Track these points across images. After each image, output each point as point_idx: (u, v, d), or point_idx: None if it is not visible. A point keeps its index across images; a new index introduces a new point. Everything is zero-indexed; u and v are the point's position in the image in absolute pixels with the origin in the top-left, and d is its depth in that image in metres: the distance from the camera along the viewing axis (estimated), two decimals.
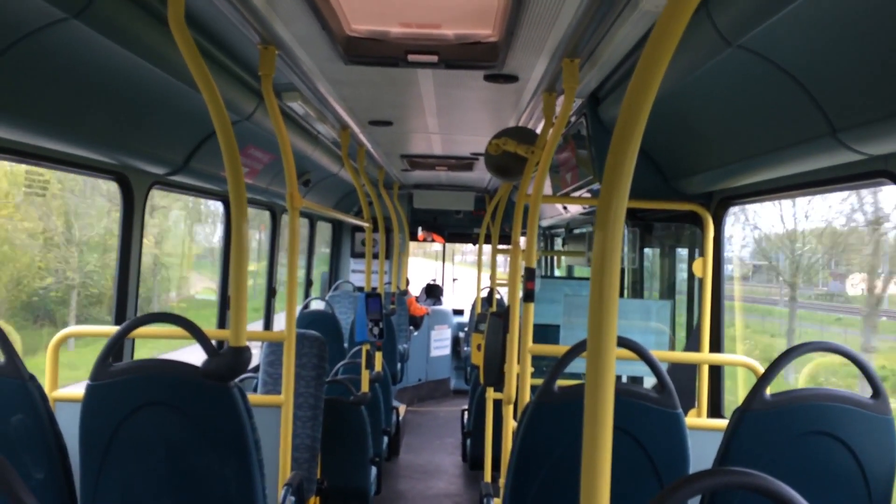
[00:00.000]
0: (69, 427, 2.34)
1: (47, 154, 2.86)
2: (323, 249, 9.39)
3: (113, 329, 2.59)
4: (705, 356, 3.29)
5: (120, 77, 2.61)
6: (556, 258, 10.15)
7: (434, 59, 2.90)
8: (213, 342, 2.42)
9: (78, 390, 2.43)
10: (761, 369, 2.95)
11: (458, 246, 18.71)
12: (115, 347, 2.36)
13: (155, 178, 3.67)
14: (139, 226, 3.60)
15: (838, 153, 2.13)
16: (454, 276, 13.13)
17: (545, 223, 9.23)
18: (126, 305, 3.53)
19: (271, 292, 6.15)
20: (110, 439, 2.23)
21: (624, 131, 1.13)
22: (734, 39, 2.01)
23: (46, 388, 2.89)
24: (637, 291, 4.84)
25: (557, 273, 10.11)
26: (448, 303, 11.33)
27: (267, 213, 6.27)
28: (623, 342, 2.28)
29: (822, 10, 1.71)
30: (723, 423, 2.22)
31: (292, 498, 2.89)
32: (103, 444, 2.24)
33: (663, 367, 2.34)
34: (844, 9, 1.67)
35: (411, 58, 2.89)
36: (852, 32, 1.73)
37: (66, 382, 3.07)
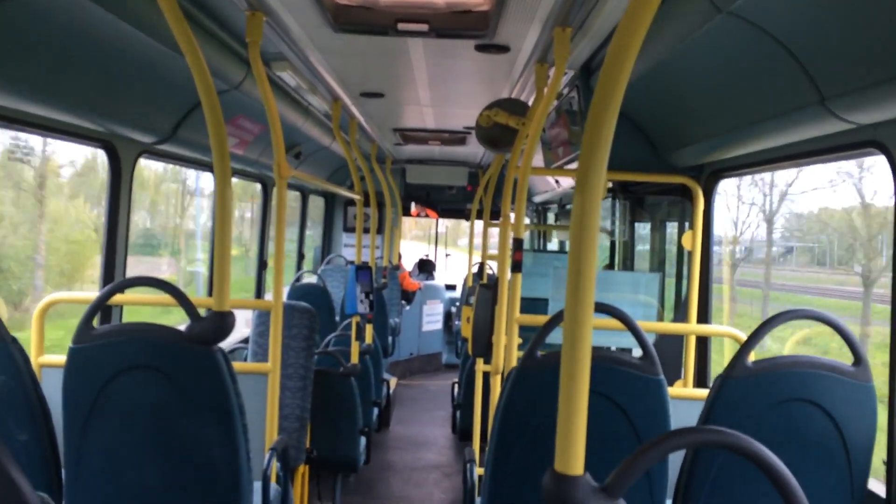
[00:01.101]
0: (56, 392, 2.34)
1: (32, 120, 2.83)
2: (316, 228, 9.37)
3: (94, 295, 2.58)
4: (691, 327, 3.31)
5: (106, 42, 2.58)
6: (546, 234, 10.16)
7: (424, 27, 2.87)
8: (204, 311, 2.43)
9: (63, 357, 2.43)
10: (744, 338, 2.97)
11: (459, 230, 18.64)
12: (98, 310, 2.35)
13: (143, 147, 3.65)
14: (126, 194, 3.58)
15: (828, 122, 2.13)
16: (447, 252, 13.14)
17: (538, 198, 9.23)
18: (113, 273, 3.52)
19: (262, 265, 6.14)
20: (93, 402, 2.24)
21: (603, 96, 1.12)
22: (725, 6, 1.99)
23: (32, 354, 2.88)
24: (628, 266, 4.85)
25: (550, 247, 10.13)
26: (440, 278, 11.35)
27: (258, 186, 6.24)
28: (603, 308, 2.29)
29: None
30: (707, 392, 2.24)
31: (278, 464, 2.91)
32: (86, 407, 2.24)
33: (651, 338, 2.35)
34: None
35: (401, 26, 2.86)
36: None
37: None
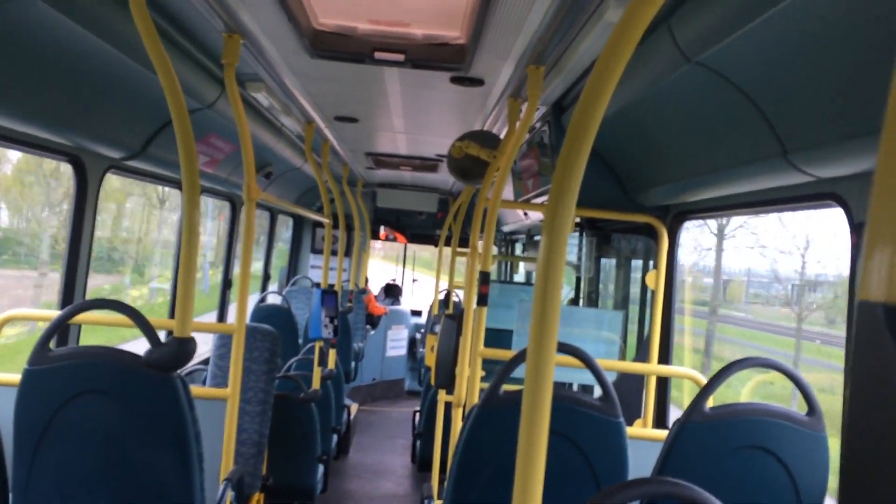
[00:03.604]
0: (8, 413, 2.28)
1: None
2: (285, 246, 9.28)
3: (56, 314, 2.53)
4: (652, 367, 3.33)
5: (77, 56, 2.55)
6: (512, 264, 10.20)
7: (401, 57, 2.89)
8: (165, 332, 2.39)
9: (17, 375, 2.37)
10: (705, 382, 3.00)
11: (431, 257, 18.61)
12: (55, 332, 2.30)
13: (111, 162, 3.60)
14: (92, 210, 3.52)
15: (789, 174, 2.18)
16: (413, 277, 13.12)
17: (507, 228, 9.28)
18: (74, 291, 3.45)
19: (226, 284, 6.07)
20: (46, 426, 2.18)
21: (575, 138, 1.14)
22: (693, 56, 2.04)
23: None
24: (593, 300, 4.89)
25: (517, 279, 10.16)
26: (407, 303, 11.32)
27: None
28: (565, 348, 2.30)
29: (777, 32, 1.75)
30: (666, 433, 2.26)
31: (232, 493, 2.85)
32: (38, 431, 2.18)
33: (612, 377, 2.37)
34: (799, 33, 1.71)
35: (378, 55, 2.88)
36: (805, 56, 1.78)
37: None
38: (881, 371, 0.36)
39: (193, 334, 2.33)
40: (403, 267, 12.36)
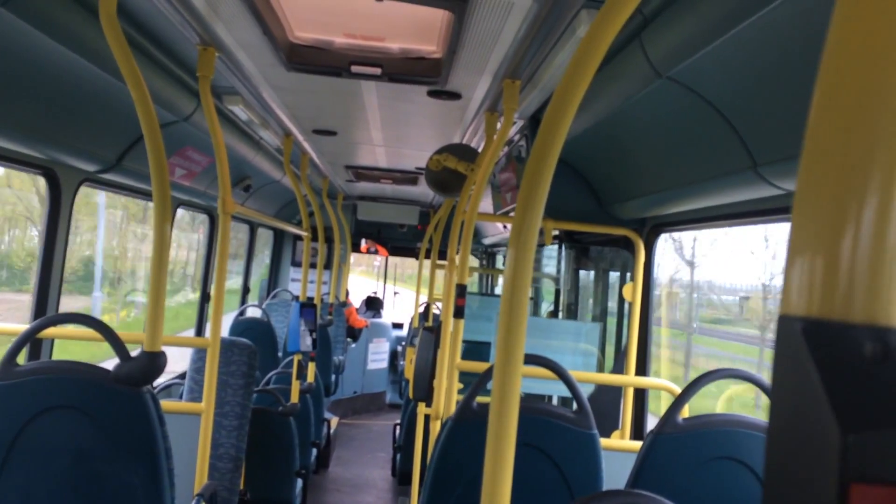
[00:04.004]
0: None
1: None
2: (265, 260, 9.22)
3: (24, 328, 2.50)
4: (628, 378, 3.34)
5: (50, 69, 2.54)
6: (493, 277, 10.21)
7: (377, 71, 2.90)
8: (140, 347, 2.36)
9: None
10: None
11: (406, 265, 18.61)
12: (23, 346, 2.27)
13: (85, 175, 3.57)
14: (65, 224, 3.49)
15: (759, 187, 2.21)
16: (395, 290, 13.09)
17: (488, 241, 9.29)
18: (46, 306, 3.41)
19: (204, 297, 6.02)
20: (12, 442, 2.14)
21: (542, 149, 1.15)
22: (664, 71, 2.07)
23: None
24: (572, 312, 4.90)
25: (498, 291, 10.17)
26: (388, 316, 11.28)
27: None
28: (538, 360, 2.30)
29: (747, 47, 1.77)
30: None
31: None
32: (4, 448, 2.14)
33: (589, 389, 2.37)
34: (767, 47, 1.74)
35: (354, 69, 2.89)
36: (774, 72, 1.80)
37: None
38: (799, 386, 0.36)
39: (169, 349, 2.31)
40: (384, 280, 12.34)
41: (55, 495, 2.20)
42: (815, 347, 0.36)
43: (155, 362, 2.22)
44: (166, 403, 2.37)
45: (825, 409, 0.34)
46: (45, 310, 3.41)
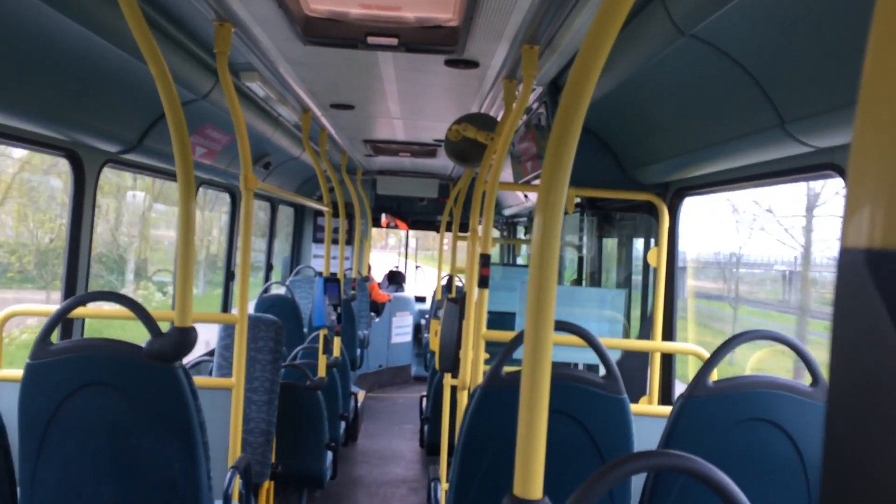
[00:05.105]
0: (12, 407, 2.29)
1: None
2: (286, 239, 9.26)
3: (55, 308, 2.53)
4: (655, 344, 3.33)
5: (70, 51, 2.54)
6: (514, 247, 10.18)
7: (394, 41, 2.87)
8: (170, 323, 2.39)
9: (20, 371, 2.37)
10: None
11: (427, 242, 18.62)
12: (56, 325, 2.31)
13: (108, 157, 3.59)
14: (90, 204, 3.53)
15: (787, 145, 2.17)
16: (417, 263, 13.12)
17: (508, 212, 9.26)
18: (76, 286, 3.46)
19: (229, 276, 6.07)
20: (50, 419, 2.19)
21: (566, 116, 1.13)
22: (688, 29, 2.03)
23: None
24: (595, 280, 4.88)
25: (520, 261, 10.16)
26: (410, 290, 11.32)
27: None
28: (566, 326, 2.30)
29: (771, 1, 1.73)
30: (670, 409, 2.26)
31: (241, 480, 2.87)
32: (42, 425, 2.19)
33: (616, 355, 2.36)
34: (793, 1, 1.69)
35: (371, 40, 2.86)
36: (800, 25, 1.76)
37: None
38: (863, 319, 0.35)
39: (199, 326, 2.34)
40: (405, 254, 12.36)
41: (93, 471, 2.25)
42: (879, 278, 0.35)
43: (186, 337, 2.25)
44: (198, 379, 2.40)
45: (894, 341, 0.33)
46: (74, 290, 3.46)
